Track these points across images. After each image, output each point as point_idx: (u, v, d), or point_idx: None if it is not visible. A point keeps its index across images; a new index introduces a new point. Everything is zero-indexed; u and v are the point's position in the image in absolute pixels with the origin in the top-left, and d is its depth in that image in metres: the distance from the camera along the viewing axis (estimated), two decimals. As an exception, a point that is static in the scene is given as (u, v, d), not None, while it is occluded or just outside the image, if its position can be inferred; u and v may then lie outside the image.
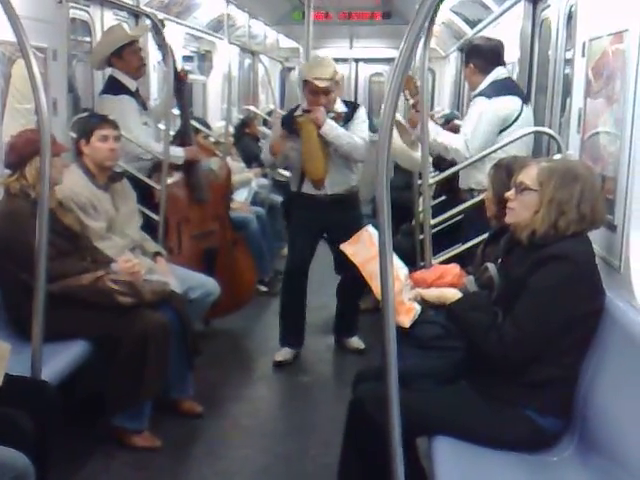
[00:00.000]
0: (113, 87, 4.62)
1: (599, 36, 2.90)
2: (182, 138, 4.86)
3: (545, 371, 2.42)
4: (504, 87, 4.08)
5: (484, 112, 3.96)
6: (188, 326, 3.65)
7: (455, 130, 4.69)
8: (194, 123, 5.68)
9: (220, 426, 3.75)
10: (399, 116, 4.38)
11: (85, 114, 4.69)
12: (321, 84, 4.23)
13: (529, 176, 2.50)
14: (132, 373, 3.30)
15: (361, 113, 4.43)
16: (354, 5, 10.01)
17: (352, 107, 4.48)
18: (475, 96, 4.13)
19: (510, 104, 4.01)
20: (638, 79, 2.49)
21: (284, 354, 4.60)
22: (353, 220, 4.32)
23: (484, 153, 3.81)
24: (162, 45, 4.56)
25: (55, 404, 2.74)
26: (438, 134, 4.04)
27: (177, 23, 6.75)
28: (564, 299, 2.36)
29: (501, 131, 3.96)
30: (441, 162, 4.58)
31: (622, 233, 2.59)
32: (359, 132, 4.33)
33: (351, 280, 4.42)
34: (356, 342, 4.79)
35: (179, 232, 4.69)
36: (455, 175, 4.15)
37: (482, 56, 4.16)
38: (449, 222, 4.23)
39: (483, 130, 3.95)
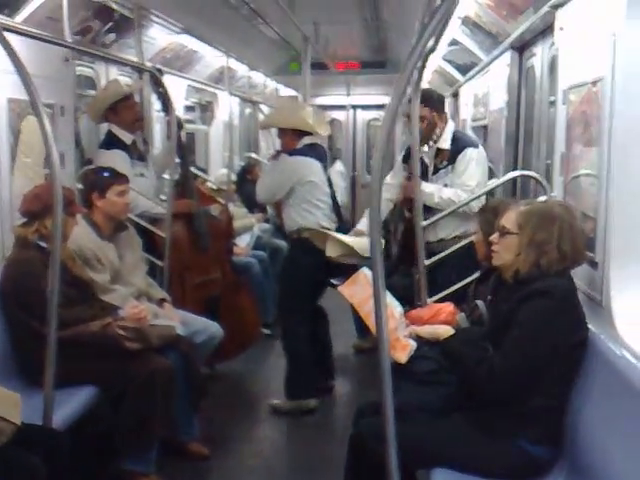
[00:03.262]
0: (109, 141, 4.78)
1: (577, 84, 3.05)
2: (183, 187, 4.92)
3: (534, 402, 2.51)
4: (468, 136, 4.29)
5: (479, 161, 4.15)
6: (194, 369, 3.73)
7: None
8: (194, 170, 5.78)
9: (226, 467, 3.82)
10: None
11: (91, 166, 4.85)
12: None
13: (509, 220, 2.64)
14: (139, 416, 3.36)
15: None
16: (350, 55, 10.26)
17: None
18: (463, 147, 4.22)
19: None
20: (612, 125, 2.64)
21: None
22: (285, 261, 4.57)
23: (474, 197, 3.99)
24: (162, 96, 4.71)
25: (66, 452, 2.80)
26: (441, 190, 4.15)
27: (179, 76, 6.95)
28: (548, 332, 2.46)
29: None
30: None
31: (603, 269, 2.70)
32: None
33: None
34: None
35: (182, 280, 4.75)
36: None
37: (444, 107, 4.38)
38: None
39: (485, 179, 4.17)
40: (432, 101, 4.29)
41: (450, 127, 4.32)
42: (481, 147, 4.29)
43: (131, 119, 4.80)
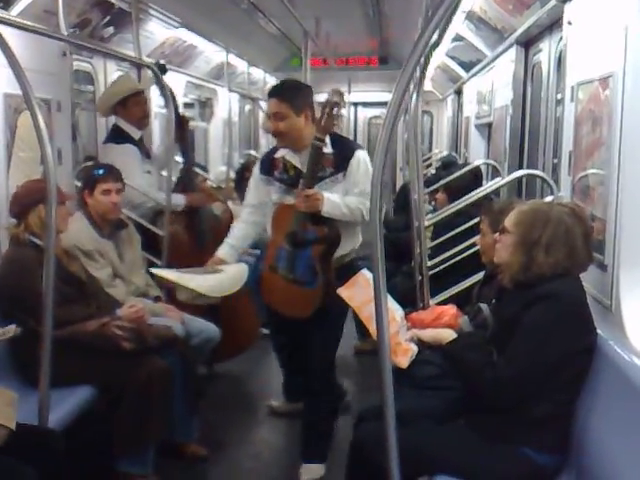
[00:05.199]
0: (117, 136, 4.73)
1: (586, 80, 2.99)
2: (184, 184, 4.89)
3: (541, 408, 2.43)
4: (347, 138, 3.80)
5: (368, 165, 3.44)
6: (191, 370, 3.68)
7: None
8: (195, 169, 5.74)
9: (224, 469, 3.77)
10: None
11: (90, 163, 4.79)
12: None
13: (509, 218, 2.58)
14: (136, 418, 3.32)
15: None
16: (351, 51, 10.20)
17: None
18: (353, 151, 3.46)
19: None
20: (623, 122, 2.57)
21: None
22: None
23: (465, 201, 3.92)
24: (164, 92, 4.66)
25: (61, 453, 2.76)
26: (344, 199, 3.40)
27: (178, 72, 6.89)
28: (555, 338, 2.39)
29: None
30: None
31: (612, 272, 2.64)
32: None
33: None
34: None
35: (183, 278, 4.70)
36: None
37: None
38: (449, 263, 4.27)
39: None
40: (296, 95, 3.45)
41: None
42: None
43: (140, 115, 4.77)
